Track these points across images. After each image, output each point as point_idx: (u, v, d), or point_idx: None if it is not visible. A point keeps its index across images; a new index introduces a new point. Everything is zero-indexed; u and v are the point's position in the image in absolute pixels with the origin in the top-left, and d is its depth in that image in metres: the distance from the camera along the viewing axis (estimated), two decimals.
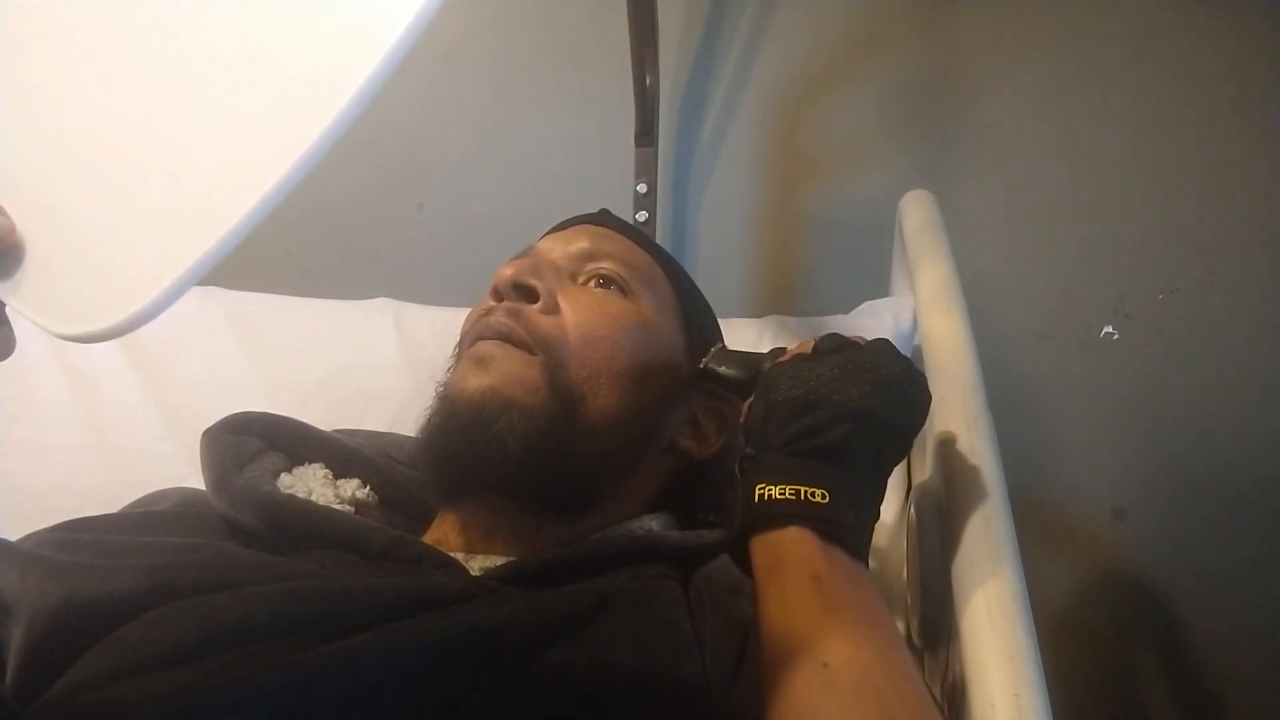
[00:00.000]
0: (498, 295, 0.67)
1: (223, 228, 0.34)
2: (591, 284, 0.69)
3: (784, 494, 0.53)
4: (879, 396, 0.56)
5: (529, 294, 0.66)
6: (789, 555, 0.52)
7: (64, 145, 0.40)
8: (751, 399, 0.61)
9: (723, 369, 0.68)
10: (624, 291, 0.69)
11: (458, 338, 0.71)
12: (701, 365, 0.69)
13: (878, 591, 0.53)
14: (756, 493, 0.54)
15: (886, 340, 0.61)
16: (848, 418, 0.55)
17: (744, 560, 0.55)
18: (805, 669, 0.46)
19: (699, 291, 0.77)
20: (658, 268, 0.73)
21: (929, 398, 0.61)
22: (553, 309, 0.66)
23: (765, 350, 0.66)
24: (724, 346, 0.72)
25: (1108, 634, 1.21)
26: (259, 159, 0.35)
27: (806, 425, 0.55)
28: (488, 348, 0.64)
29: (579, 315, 0.66)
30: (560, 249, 0.71)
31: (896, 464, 0.60)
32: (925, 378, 0.61)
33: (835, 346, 0.60)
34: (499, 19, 1.28)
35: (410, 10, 0.36)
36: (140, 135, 0.39)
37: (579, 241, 0.71)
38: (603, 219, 0.76)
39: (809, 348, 0.60)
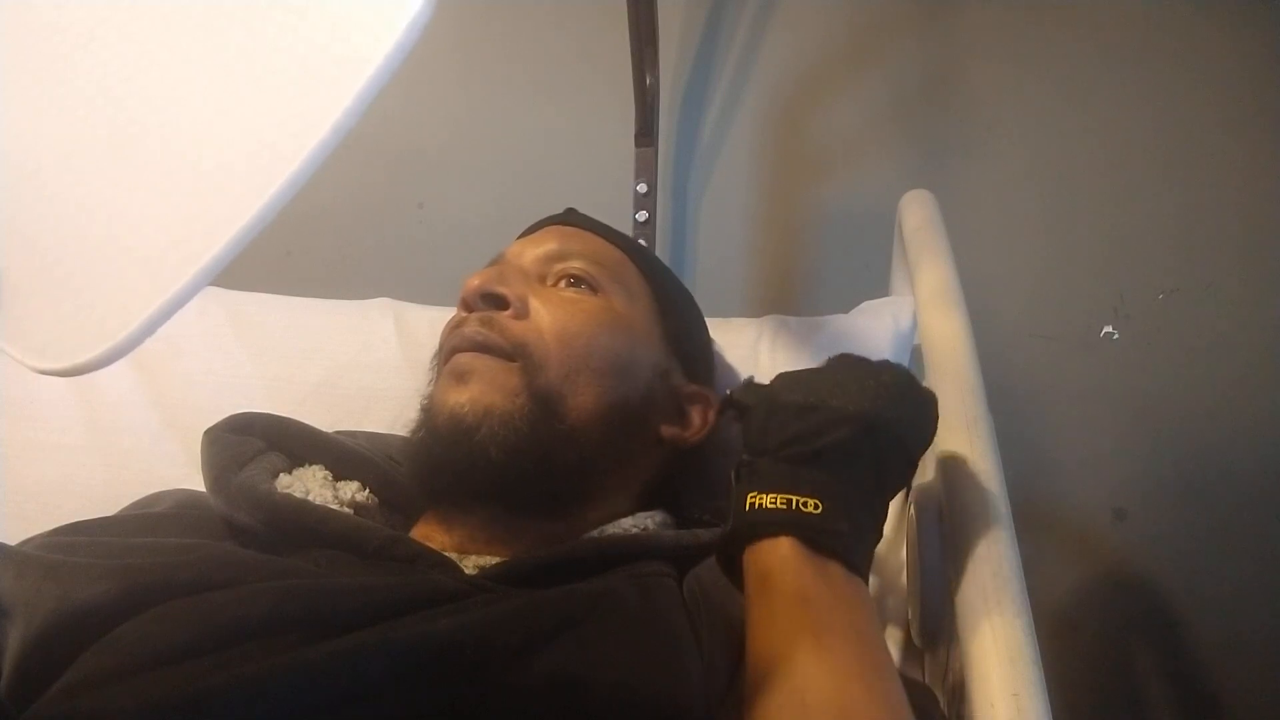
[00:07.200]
0: (467, 306, 0.68)
1: (205, 255, 0.31)
2: (561, 284, 0.70)
3: (775, 503, 0.51)
4: (880, 402, 0.55)
5: (498, 302, 0.67)
6: (779, 572, 0.50)
7: (35, 167, 0.37)
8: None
9: (745, 398, 0.65)
10: (594, 289, 0.70)
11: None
12: (728, 393, 0.66)
13: (872, 609, 0.52)
14: (748, 501, 0.52)
15: (899, 363, 0.60)
16: (847, 420, 0.53)
17: (734, 568, 0.54)
18: (782, 699, 0.46)
19: (677, 281, 0.77)
20: (629, 261, 0.73)
21: (936, 416, 0.58)
22: (523, 314, 0.67)
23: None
24: (753, 379, 0.69)
25: (1108, 634, 1.21)
26: (240, 188, 0.32)
27: (805, 428, 0.54)
28: (465, 360, 0.65)
29: (551, 316, 0.66)
30: (529, 252, 0.71)
31: (901, 482, 0.58)
32: (935, 398, 0.59)
33: (842, 362, 0.59)
34: (499, 19, 1.28)
35: (403, 19, 0.34)
36: (116, 160, 0.36)
37: (547, 243, 0.72)
38: (569, 218, 0.76)
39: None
